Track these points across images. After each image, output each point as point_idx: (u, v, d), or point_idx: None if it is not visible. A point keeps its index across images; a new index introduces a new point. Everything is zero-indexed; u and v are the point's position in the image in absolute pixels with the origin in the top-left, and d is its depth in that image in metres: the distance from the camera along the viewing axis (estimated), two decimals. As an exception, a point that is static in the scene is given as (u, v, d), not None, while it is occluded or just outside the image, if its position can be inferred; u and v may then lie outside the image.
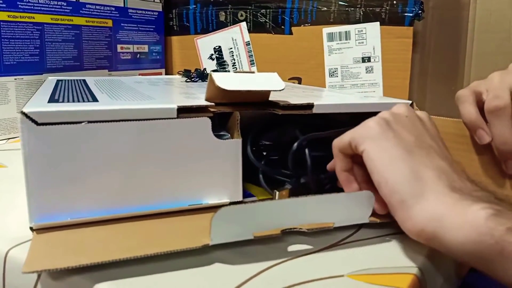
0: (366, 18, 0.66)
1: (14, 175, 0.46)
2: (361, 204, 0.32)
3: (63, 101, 0.34)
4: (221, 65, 0.89)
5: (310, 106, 0.37)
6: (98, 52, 0.75)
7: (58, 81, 0.56)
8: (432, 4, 0.76)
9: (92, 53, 0.74)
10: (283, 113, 0.37)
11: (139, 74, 0.84)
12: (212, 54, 0.89)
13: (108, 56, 0.77)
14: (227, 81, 0.34)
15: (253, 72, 0.36)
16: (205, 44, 0.89)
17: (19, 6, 0.62)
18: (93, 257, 0.26)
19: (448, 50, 0.79)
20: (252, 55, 0.85)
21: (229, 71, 0.88)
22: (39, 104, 0.32)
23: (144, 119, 0.32)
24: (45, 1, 0.65)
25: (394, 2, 0.69)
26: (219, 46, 0.88)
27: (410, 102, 0.40)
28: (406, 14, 0.69)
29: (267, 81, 0.35)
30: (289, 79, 0.82)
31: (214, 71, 0.89)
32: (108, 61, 0.77)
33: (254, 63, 0.86)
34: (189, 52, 0.91)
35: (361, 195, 0.32)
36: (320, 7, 0.76)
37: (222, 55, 0.88)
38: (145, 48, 0.85)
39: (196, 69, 0.68)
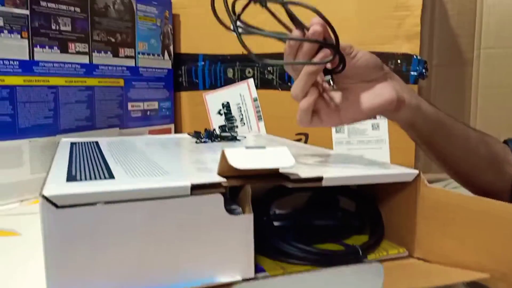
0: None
1: (28, 243, 0.47)
2: (372, 277, 0.32)
3: (80, 179, 0.35)
4: (229, 120, 0.91)
5: (319, 179, 0.38)
6: (109, 111, 0.77)
7: (72, 145, 0.57)
8: (436, 62, 0.78)
9: (104, 113, 0.76)
10: (293, 186, 0.37)
11: (149, 131, 0.85)
12: (220, 109, 0.91)
13: (119, 115, 0.79)
14: (239, 158, 0.35)
15: (264, 147, 0.37)
16: (214, 99, 0.91)
17: (35, 70, 0.65)
18: None
19: (453, 105, 0.81)
20: (259, 110, 0.87)
21: (237, 126, 0.90)
22: (58, 184, 0.33)
23: (159, 198, 0.33)
24: (60, 65, 0.68)
25: (399, 61, 0.71)
26: (227, 102, 0.90)
27: (417, 172, 0.41)
28: (410, 72, 0.71)
29: (277, 158, 0.36)
30: (296, 134, 0.84)
31: (222, 126, 0.91)
32: (119, 120, 0.79)
33: (261, 119, 0.87)
34: (198, 108, 0.93)
35: (371, 268, 0.32)
36: (325, 65, 0.78)
37: (230, 110, 0.90)
38: (155, 105, 0.87)
39: (205, 130, 0.69)
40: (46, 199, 0.30)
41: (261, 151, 0.36)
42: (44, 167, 0.67)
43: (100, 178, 0.36)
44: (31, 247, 0.46)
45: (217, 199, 0.35)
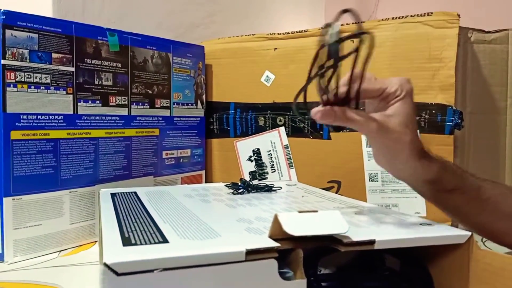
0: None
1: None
2: None
3: (135, 243, 0.36)
4: (260, 167, 0.91)
5: (372, 242, 0.38)
6: (145, 160, 0.78)
7: (113, 197, 0.58)
8: (470, 110, 0.78)
9: (139, 162, 0.77)
10: (345, 250, 0.37)
11: (181, 178, 0.86)
12: (251, 156, 0.92)
13: (154, 163, 0.80)
14: (292, 224, 0.35)
15: (316, 211, 0.37)
16: (244, 146, 0.92)
17: (78, 124, 0.67)
18: None
19: (488, 153, 0.80)
20: (290, 157, 0.88)
21: (267, 173, 0.90)
22: (116, 250, 0.33)
23: (214, 264, 0.33)
24: (101, 117, 0.70)
25: (433, 111, 0.72)
26: (258, 149, 0.91)
27: (470, 234, 0.40)
28: (445, 123, 0.71)
29: (331, 223, 0.36)
30: (328, 182, 0.83)
31: (252, 172, 0.92)
32: (154, 168, 0.80)
33: (292, 166, 0.88)
34: (229, 154, 0.94)
35: None
36: (358, 114, 0.79)
37: (260, 157, 0.91)
38: (187, 152, 0.88)
39: (241, 180, 0.70)
40: (107, 266, 0.31)
41: (314, 215, 0.36)
42: (82, 216, 0.68)
43: (155, 242, 0.36)
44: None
45: (271, 264, 0.35)
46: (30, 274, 0.55)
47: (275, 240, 0.37)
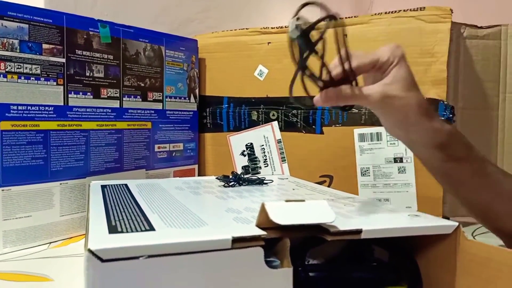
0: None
1: (60, 290, 0.47)
2: None
3: (122, 230, 0.36)
4: (253, 161, 0.91)
5: (358, 231, 0.38)
6: (137, 153, 0.78)
7: (103, 188, 0.58)
8: (462, 105, 0.78)
9: (131, 155, 0.77)
10: (332, 239, 0.37)
11: (174, 172, 0.86)
12: (244, 151, 0.92)
13: (146, 156, 0.80)
14: (279, 213, 0.35)
15: (303, 201, 0.37)
16: (237, 141, 0.92)
17: (68, 115, 0.67)
18: None
19: (480, 149, 0.80)
20: (283, 152, 0.88)
21: (260, 167, 0.90)
22: (101, 237, 0.33)
23: (200, 251, 0.33)
24: (92, 109, 0.70)
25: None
26: (251, 143, 0.91)
27: (457, 224, 0.40)
28: (436, 118, 0.71)
29: (318, 212, 0.36)
30: (320, 176, 0.83)
31: (245, 167, 0.92)
32: (146, 161, 0.80)
33: (285, 160, 0.88)
34: (221, 149, 0.94)
35: None
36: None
37: (253, 151, 0.91)
38: (180, 146, 0.88)
39: (232, 173, 0.69)
40: (92, 253, 0.30)
41: (301, 205, 0.36)
42: (73, 209, 0.67)
43: (141, 230, 0.36)
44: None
45: (257, 252, 0.35)
46: (19, 265, 0.55)
47: (262, 229, 0.36)
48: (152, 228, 0.37)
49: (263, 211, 0.36)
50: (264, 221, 0.37)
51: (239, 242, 0.34)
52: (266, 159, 0.90)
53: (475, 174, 0.50)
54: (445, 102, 0.71)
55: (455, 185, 0.53)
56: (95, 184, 0.62)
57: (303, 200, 0.37)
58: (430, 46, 0.73)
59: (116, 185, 0.62)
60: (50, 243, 0.64)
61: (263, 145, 0.90)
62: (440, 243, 0.42)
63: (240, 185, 0.66)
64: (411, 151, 0.56)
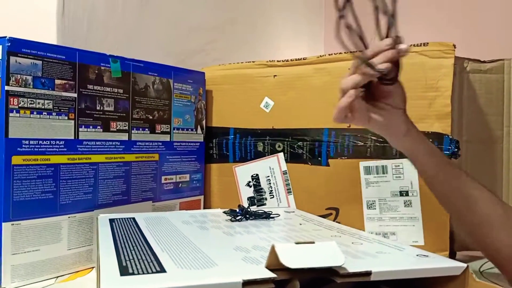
0: (403, 154, 0.69)
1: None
2: None
3: (133, 272, 0.36)
4: (258, 192, 0.91)
5: (368, 273, 0.38)
6: (144, 185, 0.79)
7: (111, 223, 0.59)
8: (466, 138, 0.79)
9: (139, 187, 0.78)
10: (341, 281, 0.37)
11: (180, 203, 0.87)
12: (249, 182, 0.92)
13: (153, 188, 0.81)
14: (289, 255, 0.35)
15: (313, 243, 0.37)
16: (243, 171, 0.93)
17: (78, 149, 0.68)
18: None
19: (485, 181, 0.80)
20: (289, 183, 0.88)
21: (265, 199, 0.91)
22: (113, 280, 0.34)
23: (211, 295, 0.33)
24: (101, 143, 0.71)
25: (430, 140, 0.72)
26: (257, 174, 0.91)
27: (465, 266, 0.40)
28: (442, 152, 0.72)
29: (327, 254, 0.36)
30: (326, 209, 0.84)
31: (250, 198, 0.92)
32: (153, 193, 0.81)
33: (291, 192, 0.88)
34: (227, 179, 0.94)
35: None
36: (356, 141, 0.80)
37: (259, 182, 0.91)
38: (186, 177, 0.89)
39: (239, 206, 0.70)
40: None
41: (310, 247, 0.37)
42: (80, 242, 0.68)
43: (152, 271, 0.36)
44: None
45: (268, 295, 0.35)
46: (26, 301, 0.55)
47: (272, 270, 0.37)
48: (163, 270, 0.37)
49: (273, 252, 0.36)
50: (274, 263, 0.37)
51: (249, 285, 0.35)
52: (272, 191, 0.90)
53: (464, 187, 0.56)
54: (450, 136, 0.72)
55: (450, 193, 0.57)
56: (103, 218, 0.63)
57: (313, 242, 0.37)
58: (434, 81, 0.74)
59: (124, 219, 0.62)
60: (58, 277, 0.65)
61: (268, 176, 0.90)
62: (448, 284, 0.42)
63: (247, 219, 0.66)
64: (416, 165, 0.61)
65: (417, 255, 0.44)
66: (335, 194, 0.83)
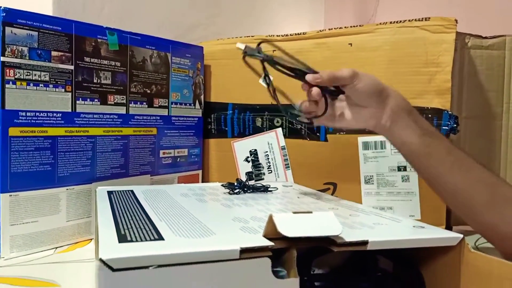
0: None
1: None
2: None
3: (131, 239, 0.36)
4: (257, 168, 0.92)
5: (364, 243, 0.38)
6: (142, 159, 0.79)
7: (109, 195, 0.59)
8: (466, 114, 0.79)
9: (137, 160, 0.78)
10: (338, 250, 0.38)
11: (178, 177, 0.87)
12: (248, 157, 0.92)
13: (151, 162, 0.81)
14: (287, 225, 0.35)
15: (311, 212, 0.37)
16: (241, 147, 0.93)
17: (76, 121, 0.67)
18: None
19: (483, 158, 0.81)
20: (287, 159, 0.88)
21: (264, 174, 0.91)
22: (112, 246, 0.34)
23: (208, 261, 0.34)
24: (99, 116, 0.70)
25: (429, 115, 0.72)
26: (255, 149, 0.91)
27: (462, 237, 0.41)
28: (441, 127, 0.71)
29: (325, 224, 0.37)
30: (324, 183, 0.84)
31: (248, 173, 0.92)
32: (151, 167, 0.81)
33: (289, 167, 0.88)
34: (226, 154, 0.94)
35: None
36: (354, 117, 0.79)
37: (257, 158, 0.91)
38: (184, 152, 0.89)
39: (237, 180, 0.70)
40: (103, 262, 0.31)
41: (308, 216, 0.37)
42: (79, 214, 0.68)
43: (150, 239, 0.37)
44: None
45: (265, 262, 0.35)
46: (26, 270, 0.56)
47: (270, 239, 0.37)
48: (161, 238, 0.37)
49: (270, 222, 0.36)
50: (272, 232, 0.37)
51: (247, 252, 0.35)
52: (270, 166, 0.90)
53: (447, 155, 0.54)
54: (449, 112, 0.71)
55: (430, 163, 0.56)
56: (102, 190, 0.63)
57: (310, 212, 0.38)
58: (435, 56, 0.73)
59: (122, 191, 0.63)
60: (56, 248, 0.65)
61: (267, 152, 0.90)
62: (444, 254, 0.42)
63: (245, 192, 0.66)
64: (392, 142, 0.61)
65: (414, 226, 0.45)
66: (333, 169, 0.83)
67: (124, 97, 0.74)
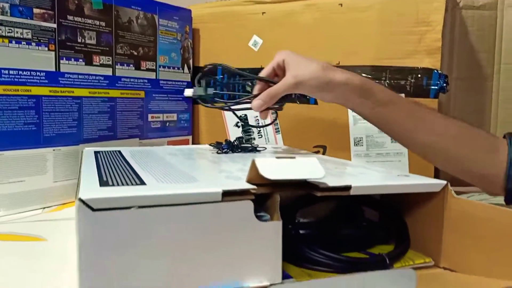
0: (392, 90, 0.69)
1: (55, 249, 0.47)
2: (404, 284, 0.31)
3: (113, 184, 0.36)
4: (247, 133, 0.91)
5: (347, 188, 0.38)
6: (130, 122, 0.78)
7: (96, 153, 0.58)
8: (456, 75, 0.78)
9: (125, 123, 0.77)
10: (321, 194, 0.37)
11: (168, 142, 0.86)
12: (238, 122, 0.91)
13: (140, 126, 0.80)
14: (269, 168, 0.35)
15: (294, 157, 0.37)
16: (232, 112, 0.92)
17: (60, 81, 0.66)
18: None
19: (473, 119, 0.81)
20: (277, 123, 0.88)
21: (254, 138, 0.90)
22: (92, 189, 0.33)
23: (191, 203, 0.33)
24: (84, 76, 0.69)
25: (419, 75, 0.72)
26: (245, 114, 0.91)
27: (445, 183, 0.41)
28: (431, 87, 0.71)
29: (307, 168, 0.36)
30: (314, 146, 0.84)
31: (239, 138, 0.91)
32: (139, 130, 0.80)
33: (279, 131, 0.88)
34: (215, 120, 0.93)
35: (404, 273, 0.32)
36: (344, 79, 0.78)
37: (247, 122, 0.91)
38: (174, 117, 0.88)
39: (226, 140, 0.70)
40: (83, 202, 0.31)
41: (291, 161, 0.36)
42: (67, 175, 0.68)
43: (132, 184, 0.36)
44: (59, 252, 0.46)
45: (247, 205, 0.35)
46: (13, 227, 0.55)
47: (253, 185, 0.37)
48: (143, 183, 0.37)
49: (253, 166, 0.36)
50: (255, 177, 0.37)
51: (229, 195, 0.35)
52: (260, 130, 0.90)
53: (407, 117, 0.56)
54: (439, 71, 0.71)
55: (389, 127, 0.59)
56: (89, 150, 0.62)
57: (293, 157, 0.37)
58: (426, 15, 0.72)
59: (109, 151, 0.62)
60: (44, 208, 0.65)
61: (257, 116, 0.90)
62: (428, 202, 0.42)
63: (233, 152, 0.66)
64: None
65: (398, 175, 0.45)
66: (323, 132, 0.82)
67: (110, 58, 0.73)
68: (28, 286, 0.38)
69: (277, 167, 0.36)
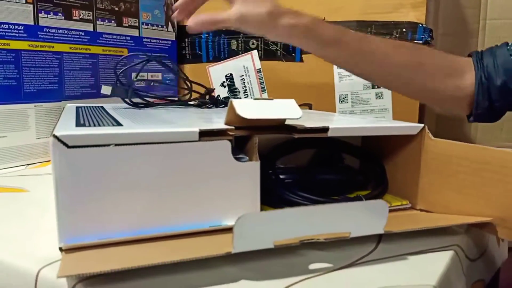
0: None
1: (37, 198, 0.48)
2: (376, 214, 0.32)
3: (89, 125, 0.36)
4: (233, 92, 0.91)
5: (325, 129, 0.38)
6: (114, 80, 0.77)
7: (78, 108, 0.58)
8: (442, 31, 0.78)
9: (108, 81, 0.76)
10: (299, 136, 0.38)
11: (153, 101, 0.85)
12: (223, 82, 0.91)
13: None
14: (246, 108, 0.35)
15: (272, 99, 0.37)
16: (217, 71, 0.91)
17: (39, 36, 0.65)
18: (123, 264, 0.27)
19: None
20: (263, 82, 0.87)
21: (240, 98, 0.90)
22: (68, 129, 0.33)
23: (168, 142, 0.33)
24: (64, 31, 0.68)
25: (404, 30, 0.71)
26: (231, 74, 0.90)
27: (422, 126, 0.41)
28: (415, 41, 0.71)
29: (284, 109, 0.36)
30: (299, 105, 0.84)
31: (225, 98, 0.91)
32: (124, 89, 0.79)
33: (265, 90, 0.87)
34: (201, 80, 0.92)
35: (375, 204, 0.32)
36: (329, 35, 0.78)
37: (233, 82, 0.90)
38: (158, 76, 0.87)
39: (210, 96, 0.69)
40: (57, 139, 0.30)
41: (268, 102, 0.36)
42: (49, 132, 0.67)
43: (109, 125, 0.36)
44: (40, 201, 0.47)
45: (225, 145, 0.35)
46: (-5, 181, 0.55)
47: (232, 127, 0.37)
48: (120, 125, 0.37)
49: (231, 108, 0.36)
50: (233, 120, 0.37)
51: (206, 135, 0.35)
52: (246, 90, 0.90)
53: (355, 54, 0.54)
54: (424, 25, 0.70)
55: (338, 63, 0.58)
56: (70, 106, 0.62)
57: (271, 99, 0.37)
58: (411, -32, 0.71)
59: (92, 106, 0.62)
60: (28, 165, 0.65)
61: (243, 76, 0.89)
62: (407, 145, 0.43)
63: (217, 107, 0.66)
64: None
65: (376, 117, 0.45)
66: (309, 90, 0.82)
67: (91, 13, 0.71)
68: (9, 229, 0.39)
69: (254, 107, 0.36)
